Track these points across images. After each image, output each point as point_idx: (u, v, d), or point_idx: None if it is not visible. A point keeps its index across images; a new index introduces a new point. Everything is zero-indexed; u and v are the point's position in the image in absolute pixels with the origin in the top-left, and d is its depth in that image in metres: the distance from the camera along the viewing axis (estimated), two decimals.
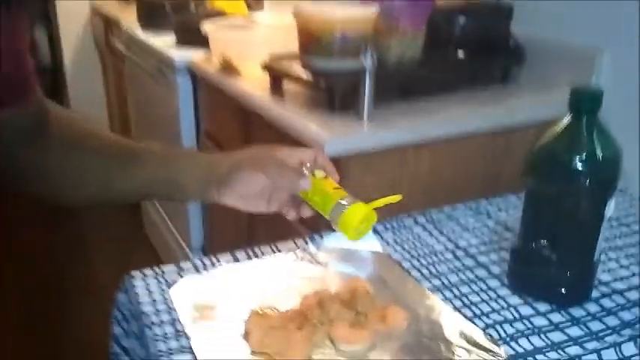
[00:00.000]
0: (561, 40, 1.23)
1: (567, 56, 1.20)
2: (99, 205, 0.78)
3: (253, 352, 0.66)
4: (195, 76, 1.60)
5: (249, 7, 2.11)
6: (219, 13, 1.89)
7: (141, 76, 1.95)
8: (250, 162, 0.72)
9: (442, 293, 0.76)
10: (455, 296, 0.76)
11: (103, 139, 0.74)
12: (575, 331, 0.70)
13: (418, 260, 0.84)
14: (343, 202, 0.72)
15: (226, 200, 0.72)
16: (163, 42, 1.77)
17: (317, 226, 0.99)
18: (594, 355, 0.66)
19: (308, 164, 0.75)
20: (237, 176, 0.71)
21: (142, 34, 1.93)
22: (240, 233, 1.45)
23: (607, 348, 0.67)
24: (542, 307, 0.74)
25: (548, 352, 0.66)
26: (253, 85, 1.26)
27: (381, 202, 0.74)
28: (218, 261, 0.83)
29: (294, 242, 0.88)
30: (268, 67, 1.18)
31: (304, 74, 1.10)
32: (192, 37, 1.62)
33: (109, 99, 3.05)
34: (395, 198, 0.75)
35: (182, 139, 1.70)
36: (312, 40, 1.09)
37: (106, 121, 3.15)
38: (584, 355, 0.66)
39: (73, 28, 3.07)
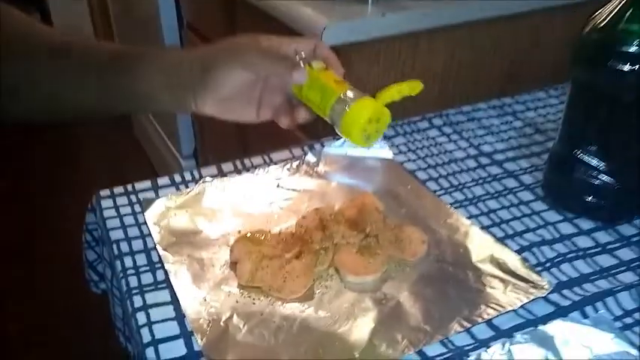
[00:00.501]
0: None
1: None
2: (51, 120, 0.61)
3: (241, 287, 0.54)
4: None
5: None
6: None
7: None
8: (227, 54, 0.54)
9: (466, 209, 0.64)
10: (481, 212, 0.64)
11: (48, 40, 0.57)
12: (626, 254, 0.58)
13: (435, 169, 0.72)
14: (346, 95, 0.55)
15: (205, 108, 0.56)
16: None
17: (317, 131, 0.86)
18: None
19: (303, 54, 0.58)
20: (214, 75, 0.54)
21: None
22: (232, 136, 1.32)
23: None
24: (586, 224, 0.62)
25: (596, 279, 0.55)
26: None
27: (395, 93, 0.56)
28: (201, 176, 0.70)
29: (290, 151, 0.75)
30: None
31: None
32: None
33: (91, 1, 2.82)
34: (415, 85, 0.57)
35: (163, 34, 1.52)
36: None
37: (87, 18, 2.92)
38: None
39: None
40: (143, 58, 0.55)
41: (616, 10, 0.56)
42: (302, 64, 0.56)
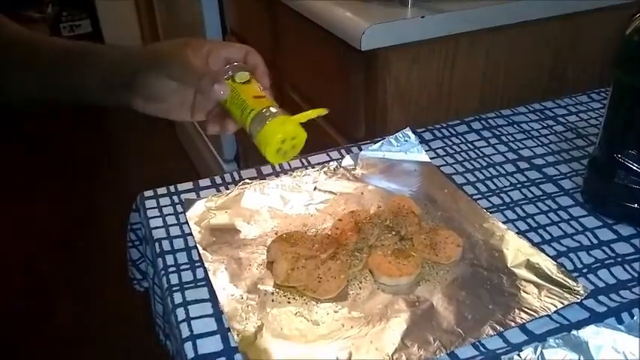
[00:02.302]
0: None
1: None
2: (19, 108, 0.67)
3: (277, 286, 0.56)
4: None
5: None
6: None
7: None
8: (154, 62, 0.57)
9: (503, 214, 0.64)
10: (518, 217, 0.64)
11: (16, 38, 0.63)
12: None
13: (473, 174, 0.71)
14: (264, 113, 0.55)
15: (138, 107, 0.59)
16: None
17: (356, 134, 0.87)
18: None
19: (235, 64, 0.58)
20: (141, 79, 0.57)
21: None
22: None
23: None
24: (625, 230, 0.61)
25: (634, 286, 0.54)
26: None
27: (307, 116, 0.56)
28: (241, 178, 0.72)
29: (328, 154, 0.76)
30: None
31: None
32: None
33: (138, 4, 2.89)
34: (321, 111, 0.58)
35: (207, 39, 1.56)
36: None
37: (137, 29, 3.01)
38: None
39: None
40: (90, 55, 0.60)
41: None
42: (225, 77, 0.56)
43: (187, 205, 0.67)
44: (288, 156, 0.56)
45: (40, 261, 1.85)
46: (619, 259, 0.57)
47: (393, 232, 0.61)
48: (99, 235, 1.88)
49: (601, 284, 0.55)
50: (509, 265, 0.56)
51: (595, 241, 0.60)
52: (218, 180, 0.73)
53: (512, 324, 0.50)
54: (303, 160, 0.75)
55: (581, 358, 0.44)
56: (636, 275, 0.56)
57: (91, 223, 2.03)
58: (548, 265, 0.55)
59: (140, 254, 0.75)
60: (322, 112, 0.58)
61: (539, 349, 0.45)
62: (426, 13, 0.82)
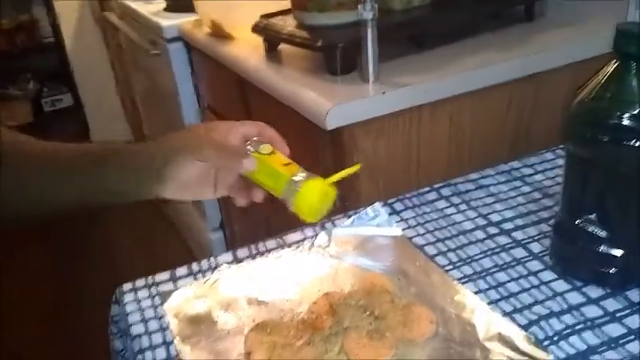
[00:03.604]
0: None
1: None
2: (35, 220, 0.68)
3: None
4: (189, 45, 1.48)
5: None
6: None
7: (137, 49, 1.83)
8: (185, 148, 0.61)
9: (474, 283, 0.66)
10: (490, 286, 0.65)
11: (35, 148, 0.65)
12: (635, 321, 0.58)
13: (444, 243, 0.73)
14: (296, 178, 0.62)
15: (167, 194, 0.63)
16: (154, 9, 1.65)
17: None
18: None
19: (254, 139, 0.65)
20: (174, 167, 0.61)
21: (132, 3, 1.80)
22: (255, 207, 1.35)
23: None
24: (594, 292, 0.62)
25: (604, 350, 0.55)
26: (247, 50, 1.14)
27: (340, 176, 0.64)
28: (217, 264, 0.73)
29: (303, 232, 0.78)
30: (259, 30, 1.05)
31: (299, 33, 0.97)
32: (181, 1, 1.49)
33: (116, 75, 2.95)
34: (354, 169, 0.66)
35: (183, 114, 1.59)
36: None
37: (117, 100, 3.06)
38: None
39: (70, 4, 2.94)
40: (115, 156, 0.62)
41: (602, 82, 0.58)
42: (250, 151, 0.61)
43: (164, 297, 0.68)
44: (322, 213, 0.63)
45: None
46: (589, 324, 0.58)
47: (367, 312, 0.61)
48: (85, 317, 1.86)
49: (572, 351, 0.55)
50: (481, 339, 0.57)
51: (565, 306, 0.61)
52: (195, 267, 0.74)
53: None
54: (279, 240, 0.77)
55: None
56: (607, 339, 0.57)
57: (80, 302, 2.02)
58: (518, 336, 0.56)
59: (123, 346, 0.75)
60: (356, 169, 0.66)
61: None
62: (387, 88, 0.85)
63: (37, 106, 3.41)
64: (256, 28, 1.05)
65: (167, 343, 0.62)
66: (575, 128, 0.60)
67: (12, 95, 3.38)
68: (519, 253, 0.70)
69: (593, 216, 0.61)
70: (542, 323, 0.59)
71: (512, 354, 0.55)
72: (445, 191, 0.84)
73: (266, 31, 1.04)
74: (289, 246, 0.75)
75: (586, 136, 0.59)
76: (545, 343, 0.56)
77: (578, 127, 0.60)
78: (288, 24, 1.01)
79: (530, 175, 0.86)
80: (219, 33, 1.21)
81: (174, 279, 0.72)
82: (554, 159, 0.90)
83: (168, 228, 2.37)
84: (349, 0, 0.94)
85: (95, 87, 3.07)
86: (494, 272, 0.67)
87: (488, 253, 0.70)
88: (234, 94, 1.24)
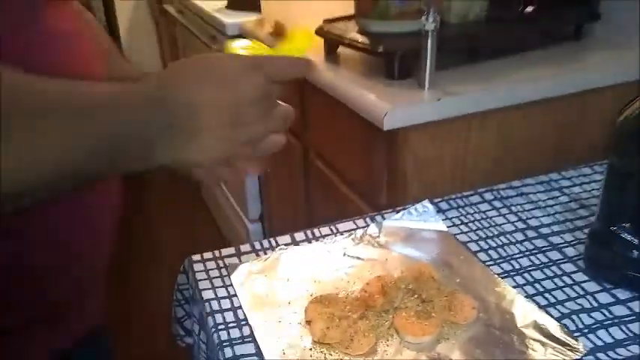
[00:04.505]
0: None
1: None
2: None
3: (315, 343, 0.64)
4: None
5: None
6: None
7: (194, 43, 1.93)
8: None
9: (513, 279, 0.72)
10: (527, 282, 0.72)
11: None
12: None
13: (486, 241, 0.80)
14: None
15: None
16: (215, 6, 1.74)
17: (379, 203, 0.96)
18: None
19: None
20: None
21: None
22: (297, 201, 1.44)
23: None
24: (623, 294, 0.69)
25: (629, 345, 0.62)
26: (307, 51, 1.22)
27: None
28: (277, 244, 0.81)
29: (355, 222, 0.85)
30: (322, 32, 1.13)
31: (361, 39, 1.05)
32: (244, 1, 1.58)
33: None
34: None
35: None
36: (369, 2, 1.03)
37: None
38: None
39: None
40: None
41: None
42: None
43: (231, 269, 0.76)
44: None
45: None
46: (616, 321, 0.65)
47: (415, 296, 0.69)
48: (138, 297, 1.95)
49: (600, 343, 0.62)
50: (518, 326, 0.64)
51: (595, 304, 0.67)
52: (257, 246, 0.81)
53: None
54: (332, 228, 0.84)
55: None
56: (631, 335, 0.63)
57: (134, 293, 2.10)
58: (552, 326, 0.63)
59: (185, 312, 0.83)
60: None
61: None
62: (442, 95, 0.92)
63: None
64: (320, 31, 1.13)
65: (235, 308, 0.70)
66: (620, 142, 0.66)
67: None
68: (555, 255, 0.76)
69: (628, 225, 0.67)
70: (574, 317, 0.65)
71: (546, 340, 0.61)
72: (488, 195, 0.90)
73: (329, 34, 1.11)
74: (341, 233, 0.83)
75: (629, 150, 0.66)
76: (576, 334, 0.63)
77: (623, 142, 0.66)
78: (350, 29, 1.08)
79: (569, 186, 0.92)
80: (281, 33, 1.29)
81: (238, 254, 0.80)
82: (591, 174, 0.96)
83: (207, 217, 2.46)
84: (409, 10, 1.01)
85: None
86: (531, 270, 0.74)
87: (526, 253, 0.77)
88: (291, 93, 1.32)
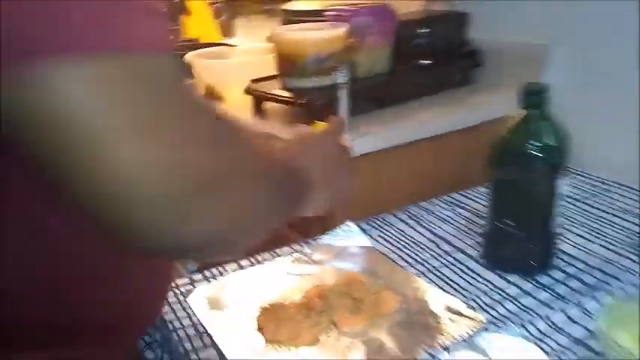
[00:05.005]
0: (512, 42, 1.35)
1: (518, 55, 1.33)
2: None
3: (268, 341, 0.75)
4: None
5: (223, 32, 2.22)
6: (194, 41, 2.00)
7: None
8: None
9: (426, 276, 0.87)
10: (437, 277, 0.87)
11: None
12: (543, 295, 0.81)
13: (402, 251, 0.95)
14: None
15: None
16: None
17: (309, 233, 1.09)
18: (561, 314, 0.77)
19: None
20: None
21: None
22: None
23: (572, 305, 0.78)
24: (513, 278, 0.85)
25: (520, 313, 0.77)
26: (236, 109, 1.37)
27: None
28: (225, 270, 0.93)
29: (291, 247, 0.98)
30: (251, 91, 1.28)
31: (285, 94, 1.21)
32: None
33: None
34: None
35: None
36: (290, 63, 1.20)
37: None
38: (552, 313, 0.77)
39: None
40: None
41: (513, 125, 0.82)
42: None
43: (187, 293, 0.87)
44: None
45: None
46: (509, 298, 0.80)
47: (348, 297, 0.82)
48: None
49: (496, 314, 0.77)
50: (432, 310, 0.78)
51: (492, 287, 0.83)
52: (208, 273, 0.93)
53: (436, 345, 0.71)
54: (272, 254, 0.97)
55: (480, 355, 0.66)
56: (522, 307, 0.78)
57: None
58: (461, 306, 0.78)
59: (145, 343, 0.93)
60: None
61: (453, 353, 0.66)
62: (356, 136, 1.09)
63: None
64: (248, 90, 1.28)
65: (195, 324, 0.81)
66: (496, 157, 0.84)
67: None
68: (459, 256, 0.92)
69: (510, 222, 0.84)
70: (475, 298, 0.81)
71: (454, 317, 0.76)
72: (402, 215, 1.06)
73: (257, 92, 1.27)
74: (279, 256, 0.96)
75: (503, 163, 0.83)
76: (478, 310, 0.78)
77: (499, 157, 0.84)
78: (275, 87, 1.24)
79: (468, 203, 1.10)
80: (213, 95, 1.44)
81: (192, 282, 0.91)
82: (487, 191, 1.14)
83: None
84: (324, 67, 1.19)
85: None
86: (440, 269, 0.89)
87: (436, 256, 0.92)
88: None
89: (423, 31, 1.35)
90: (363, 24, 1.25)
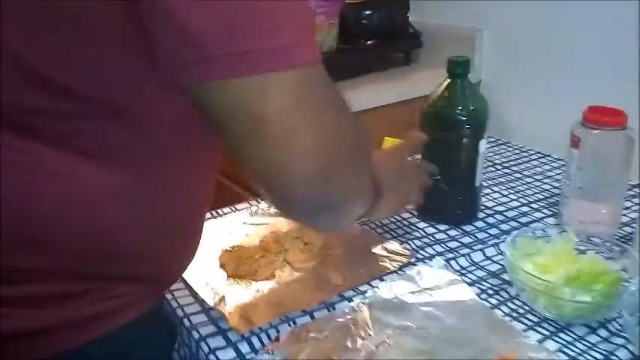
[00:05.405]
0: (449, 25, 1.49)
1: (453, 37, 1.47)
2: None
3: (229, 277, 0.86)
4: None
5: None
6: None
7: None
8: None
9: (368, 226, 1.00)
10: (380, 228, 0.99)
11: None
12: (466, 240, 0.95)
13: None
14: None
15: None
16: None
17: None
18: (480, 253, 0.91)
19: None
20: None
21: None
22: None
23: (489, 247, 0.92)
24: (442, 227, 0.98)
25: (445, 253, 0.91)
26: None
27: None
28: None
29: (249, 202, 1.09)
30: None
31: None
32: None
33: None
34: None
35: None
36: None
37: None
38: (472, 252, 0.91)
39: None
40: None
41: (441, 92, 0.95)
42: None
43: None
44: None
45: None
46: (437, 242, 0.94)
47: (300, 240, 0.93)
48: None
49: (425, 254, 0.91)
50: (373, 250, 0.91)
51: (424, 234, 0.96)
52: None
53: (375, 275, 0.84)
54: (232, 208, 1.07)
55: (410, 284, 0.79)
56: (448, 249, 0.92)
57: None
58: (395, 247, 0.91)
59: None
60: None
61: (389, 282, 0.79)
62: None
63: None
64: None
65: None
66: (426, 121, 0.97)
67: None
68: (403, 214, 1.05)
69: (439, 177, 0.97)
70: (409, 242, 0.94)
71: (391, 255, 0.89)
72: None
73: None
74: (240, 210, 1.06)
75: (432, 126, 0.96)
76: (410, 251, 0.91)
77: (428, 121, 0.97)
78: None
79: None
80: None
81: None
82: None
83: None
84: None
85: None
86: (384, 223, 1.02)
87: None
88: None
89: (367, 13, 1.48)
90: (311, 4, 1.37)
